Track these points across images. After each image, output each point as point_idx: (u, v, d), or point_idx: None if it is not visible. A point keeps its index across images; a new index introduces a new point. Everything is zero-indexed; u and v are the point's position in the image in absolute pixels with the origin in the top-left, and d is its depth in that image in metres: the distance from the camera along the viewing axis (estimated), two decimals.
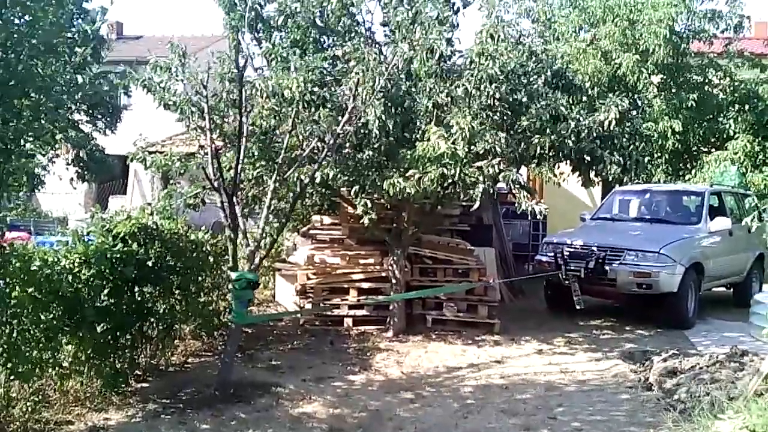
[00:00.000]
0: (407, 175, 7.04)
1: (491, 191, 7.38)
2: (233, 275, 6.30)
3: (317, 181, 7.26)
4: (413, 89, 7.63)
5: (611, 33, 13.68)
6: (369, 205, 7.47)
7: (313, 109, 6.96)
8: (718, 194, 10.83)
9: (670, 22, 13.19)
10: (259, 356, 7.54)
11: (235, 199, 6.55)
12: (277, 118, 7.26)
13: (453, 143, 6.72)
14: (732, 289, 11.17)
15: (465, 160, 6.86)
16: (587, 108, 7.98)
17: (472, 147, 6.87)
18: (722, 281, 10.66)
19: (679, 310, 9.19)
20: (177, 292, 6.91)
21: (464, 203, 9.31)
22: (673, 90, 14.24)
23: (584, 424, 5.70)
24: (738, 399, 5.29)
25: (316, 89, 6.96)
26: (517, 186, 7.24)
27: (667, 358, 7.23)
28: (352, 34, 8.18)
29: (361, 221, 7.71)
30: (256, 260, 6.62)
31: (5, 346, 4.91)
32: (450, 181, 7.04)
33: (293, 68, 7.15)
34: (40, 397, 5.57)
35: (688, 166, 14.30)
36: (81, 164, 14.01)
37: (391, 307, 8.55)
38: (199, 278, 7.42)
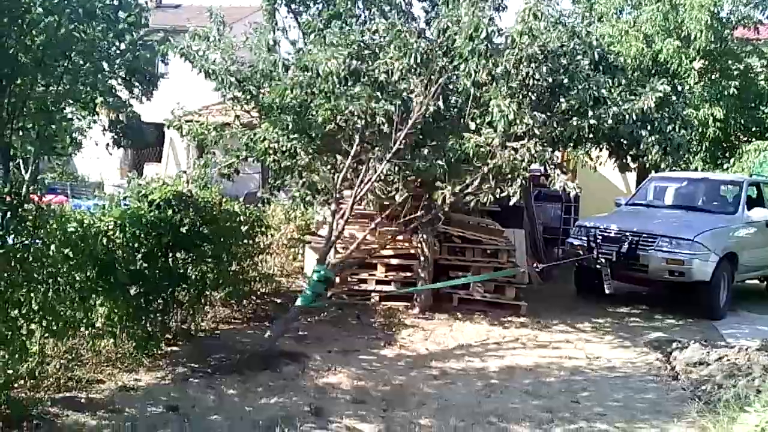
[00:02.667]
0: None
1: (527, 182, 7.31)
2: (317, 267, 6.79)
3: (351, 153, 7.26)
4: (450, 66, 7.55)
5: (653, 17, 13.39)
6: (401, 181, 7.47)
7: (349, 83, 6.94)
8: (757, 185, 10.62)
9: (713, 7, 12.85)
10: (288, 327, 7.62)
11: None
12: (310, 91, 7.25)
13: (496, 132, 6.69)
14: (765, 282, 10.98)
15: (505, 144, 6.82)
16: (627, 91, 7.82)
17: (512, 128, 6.79)
18: (756, 273, 10.48)
19: (710, 300, 9.07)
20: (209, 259, 7.01)
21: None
22: (715, 77, 13.91)
23: (607, 409, 5.68)
24: (766, 392, 5.22)
25: (354, 63, 6.93)
26: (552, 165, 7.17)
27: (695, 349, 7.14)
28: (390, 8, 8.11)
29: (391, 196, 7.71)
30: (331, 260, 6.93)
31: (41, 304, 5.04)
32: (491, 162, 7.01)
33: (329, 42, 7.14)
34: (73, 355, 5.74)
35: (727, 155, 14.00)
36: (118, 130, 14.20)
37: (419, 284, 8.57)
38: (232, 247, 7.51)
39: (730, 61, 14.00)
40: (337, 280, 8.95)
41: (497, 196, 7.15)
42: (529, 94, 7.30)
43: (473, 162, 7.06)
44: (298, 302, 6.93)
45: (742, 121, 13.84)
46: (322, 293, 6.97)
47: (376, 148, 7.23)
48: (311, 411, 5.28)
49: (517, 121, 6.75)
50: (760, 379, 6.01)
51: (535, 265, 9.11)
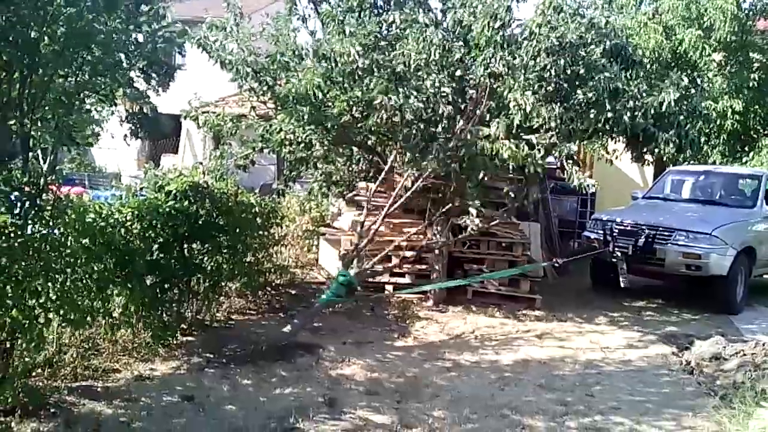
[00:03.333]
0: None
1: (542, 173, 7.27)
2: (342, 271, 6.96)
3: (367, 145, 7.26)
4: (467, 57, 7.52)
5: (674, 6, 13.23)
6: (416, 174, 7.46)
7: (366, 76, 6.93)
8: None
9: None
10: (307, 322, 7.64)
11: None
12: (328, 82, 7.25)
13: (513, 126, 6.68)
14: None
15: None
16: (646, 84, 7.75)
17: (528, 122, 6.77)
18: None
19: (727, 294, 9.00)
20: (225, 250, 7.05)
21: (512, 176, 9.24)
22: (735, 69, 13.73)
23: (622, 403, 5.66)
24: None
25: (370, 56, 6.93)
26: (570, 161, 7.13)
27: (711, 343, 7.10)
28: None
29: (407, 190, 7.71)
30: (355, 267, 7.19)
31: (59, 294, 5.09)
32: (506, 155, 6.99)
33: (348, 32, 7.13)
34: (90, 344, 5.79)
35: (745, 148, 13.83)
36: (135, 121, 14.29)
37: (433, 277, 8.56)
38: (247, 238, 7.54)
39: (751, 53, 13.80)
40: (352, 271, 8.97)
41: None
42: (546, 86, 7.25)
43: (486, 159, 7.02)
44: (320, 300, 6.99)
45: (762, 114, 13.65)
46: (342, 296, 7.00)
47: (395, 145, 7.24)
48: (325, 402, 5.31)
49: (534, 114, 6.71)
50: None
51: (555, 260, 9.06)
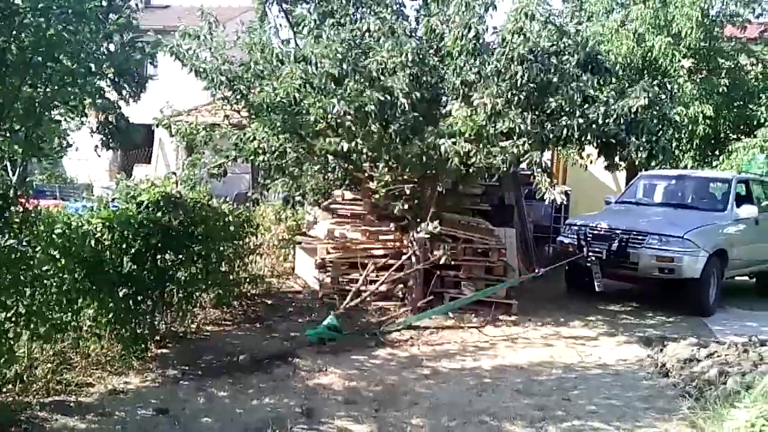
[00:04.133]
0: (438, 142, 7.01)
1: (511, 171, 7.32)
2: (331, 318, 7.16)
3: (345, 150, 7.24)
4: (440, 65, 7.55)
5: (643, 14, 13.43)
6: (390, 180, 7.46)
7: (342, 81, 6.94)
8: (746, 182, 10.66)
9: (703, 4, 12.91)
10: (278, 327, 7.61)
11: None
12: (303, 89, 7.23)
13: (478, 118, 6.68)
14: (755, 279, 11.04)
15: (489, 138, 6.81)
16: (617, 91, 7.85)
17: (497, 125, 6.81)
18: (746, 270, 10.52)
19: (700, 297, 9.10)
20: (198, 260, 6.98)
21: (486, 183, 9.28)
22: (705, 75, 13.96)
23: (599, 407, 5.69)
24: (756, 388, 5.23)
25: (345, 64, 6.95)
26: (539, 170, 7.18)
27: (686, 345, 7.17)
28: (382, 7, 8.09)
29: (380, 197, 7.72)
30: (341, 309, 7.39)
31: (28, 308, 5.00)
32: (473, 160, 7.00)
33: (325, 39, 7.13)
34: (61, 359, 5.69)
35: (716, 152, 14.06)
36: (106, 132, 14.11)
37: (410, 284, 8.55)
38: (221, 248, 7.47)
39: (719, 59, 14.05)
40: (328, 280, 8.94)
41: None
42: (518, 93, 7.31)
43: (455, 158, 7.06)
44: (308, 334, 7.03)
45: (732, 119, 13.89)
46: (325, 338, 7.06)
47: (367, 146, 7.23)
48: (303, 412, 5.26)
49: (501, 114, 6.76)
50: (750, 375, 6.03)
51: (537, 270, 9.12)
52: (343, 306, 7.65)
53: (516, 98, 7.22)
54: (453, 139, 6.94)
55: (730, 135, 14.20)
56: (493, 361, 6.90)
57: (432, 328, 7.91)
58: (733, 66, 14.12)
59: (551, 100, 7.45)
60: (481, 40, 7.44)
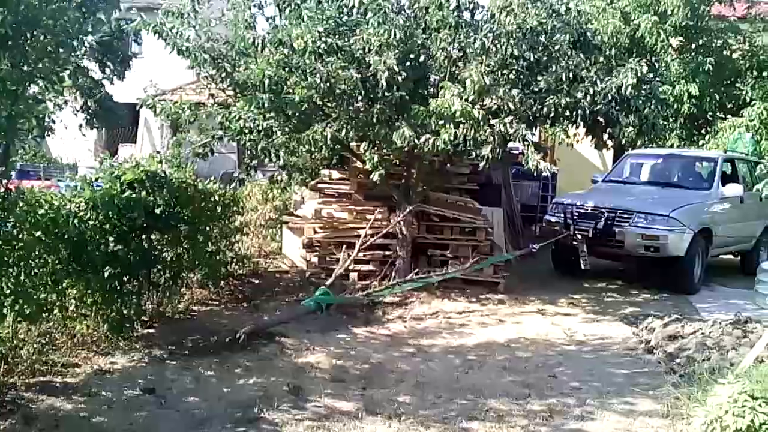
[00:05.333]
0: (421, 140, 6.95)
1: (499, 151, 7.28)
2: (323, 288, 7.21)
3: (328, 136, 7.19)
4: (428, 42, 7.50)
5: None
6: (378, 160, 7.43)
7: (325, 59, 6.87)
8: (731, 161, 10.71)
9: None
10: (265, 306, 7.61)
11: None
12: (287, 68, 7.17)
13: (467, 100, 6.64)
14: (740, 257, 11.14)
15: (479, 120, 6.77)
16: (605, 69, 7.83)
17: (484, 102, 6.78)
18: (730, 248, 10.61)
19: (685, 275, 9.17)
20: (184, 240, 6.94)
21: (474, 162, 9.26)
22: (692, 53, 13.96)
23: (583, 384, 5.74)
24: (739, 365, 5.30)
25: (329, 39, 6.87)
26: (527, 143, 7.17)
27: (670, 323, 7.24)
28: None
29: (370, 177, 7.69)
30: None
31: (13, 288, 4.96)
32: (462, 139, 6.97)
33: (306, 18, 7.05)
34: (47, 339, 5.67)
35: (702, 131, 14.10)
36: (90, 111, 13.97)
37: (396, 263, 8.56)
38: (207, 228, 7.44)
39: (706, 38, 14.04)
40: (315, 259, 8.94)
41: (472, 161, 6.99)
42: (507, 71, 7.27)
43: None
44: (305, 302, 7.04)
45: (718, 98, 13.90)
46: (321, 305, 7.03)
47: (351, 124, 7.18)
48: (290, 390, 5.27)
49: (490, 93, 6.72)
50: (733, 352, 6.11)
51: (531, 247, 9.17)
52: (331, 280, 7.62)
53: (504, 76, 7.19)
54: (442, 123, 6.86)
55: (717, 114, 14.24)
56: (479, 338, 6.94)
57: (419, 306, 7.93)
58: (719, 45, 14.13)
59: (540, 78, 7.42)
60: (467, 15, 7.39)
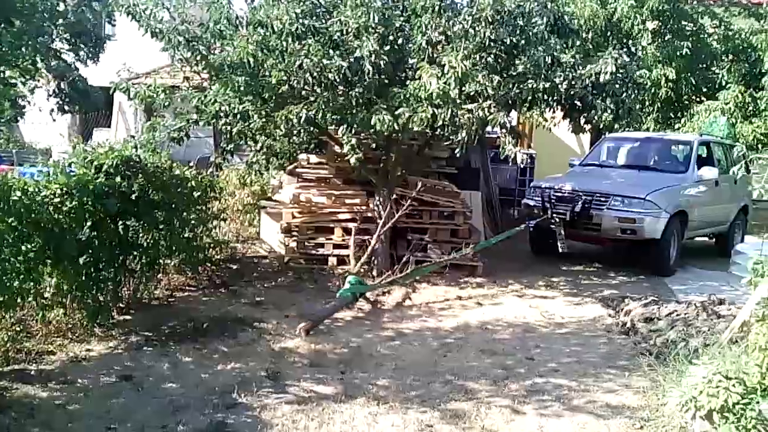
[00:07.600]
0: (396, 113, 6.92)
1: (476, 136, 7.27)
2: (353, 277, 7.38)
3: (304, 120, 7.13)
4: (407, 25, 7.45)
5: None
6: (356, 143, 7.39)
7: (302, 41, 6.80)
8: (707, 144, 10.82)
9: None
10: (243, 292, 7.57)
11: None
12: (264, 50, 7.09)
13: (445, 83, 6.61)
14: (715, 239, 11.28)
15: (457, 102, 6.75)
16: (582, 53, 7.83)
17: (464, 88, 6.76)
18: (706, 230, 10.75)
19: (661, 257, 9.29)
20: (161, 226, 6.86)
21: (452, 146, 9.25)
22: (668, 37, 14.03)
23: (561, 365, 5.79)
24: (713, 346, 5.37)
25: (306, 20, 6.80)
26: (504, 130, 7.17)
27: (646, 304, 7.32)
28: None
29: (347, 160, 7.64)
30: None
31: None
32: (440, 123, 6.94)
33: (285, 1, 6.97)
34: (22, 327, 5.59)
35: (678, 115, 14.22)
36: (63, 95, 13.73)
37: (375, 248, 8.54)
38: (184, 213, 7.36)
39: (682, 22, 14.12)
40: (294, 244, 8.90)
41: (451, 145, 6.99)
42: (485, 55, 7.24)
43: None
44: (341, 292, 7.16)
45: (694, 82, 14.01)
46: (349, 297, 7.16)
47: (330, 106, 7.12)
48: (268, 375, 5.26)
49: (470, 79, 6.70)
50: (708, 333, 6.18)
51: (527, 223, 9.28)
52: (357, 268, 7.79)
53: (483, 60, 7.16)
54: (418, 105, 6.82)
55: (693, 97, 14.36)
56: (457, 321, 6.97)
57: (398, 290, 7.93)
58: (695, 29, 14.22)
59: (518, 62, 7.41)
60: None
